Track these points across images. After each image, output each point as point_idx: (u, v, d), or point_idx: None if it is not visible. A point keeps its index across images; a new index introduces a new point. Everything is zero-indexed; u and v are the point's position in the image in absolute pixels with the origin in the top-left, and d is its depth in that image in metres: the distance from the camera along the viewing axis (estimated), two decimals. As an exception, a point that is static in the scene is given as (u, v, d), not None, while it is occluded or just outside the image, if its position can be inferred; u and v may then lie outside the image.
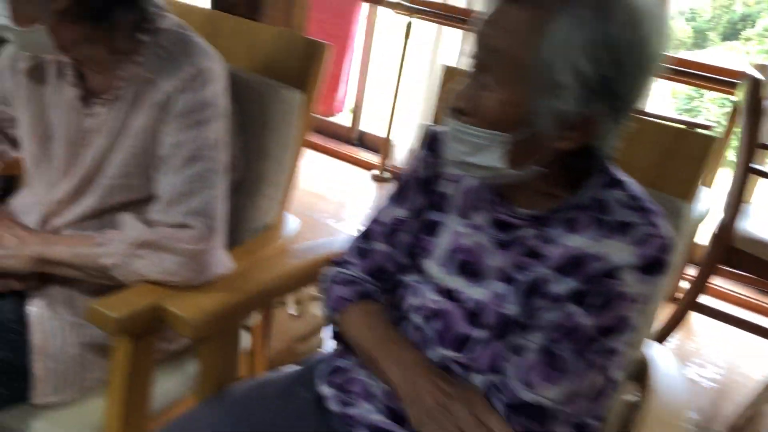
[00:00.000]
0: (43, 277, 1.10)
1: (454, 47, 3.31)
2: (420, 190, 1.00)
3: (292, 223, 1.32)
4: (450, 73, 1.22)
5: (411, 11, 3.21)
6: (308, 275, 1.13)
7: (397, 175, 1.03)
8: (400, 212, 1.01)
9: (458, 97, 0.83)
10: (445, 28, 3.32)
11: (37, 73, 1.16)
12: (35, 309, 1.07)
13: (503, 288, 0.88)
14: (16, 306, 1.07)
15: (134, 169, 1.09)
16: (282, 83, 1.25)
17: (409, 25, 3.24)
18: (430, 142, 1.00)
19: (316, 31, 3.27)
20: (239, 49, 1.34)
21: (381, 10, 3.56)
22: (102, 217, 1.13)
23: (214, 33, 1.34)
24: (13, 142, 1.27)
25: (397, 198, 1.02)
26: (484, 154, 0.81)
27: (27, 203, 1.19)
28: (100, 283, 1.07)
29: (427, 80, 3.41)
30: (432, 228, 0.98)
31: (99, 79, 1.11)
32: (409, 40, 3.29)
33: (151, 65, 1.07)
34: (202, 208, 1.03)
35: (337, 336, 1.01)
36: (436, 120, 1.22)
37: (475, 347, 0.89)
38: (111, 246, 1.02)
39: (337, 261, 1.04)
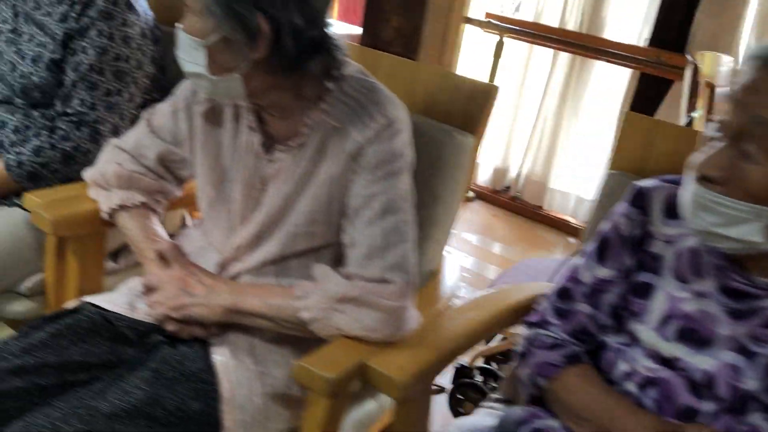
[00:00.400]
0: (223, 323, 1.09)
1: (544, 67, 3.26)
2: (627, 250, 0.96)
3: (450, 265, 1.29)
4: (632, 119, 1.18)
5: (502, 30, 3.18)
6: (493, 327, 1.10)
7: (597, 233, 0.99)
8: (604, 272, 0.97)
9: (709, 165, 0.79)
10: (536, 48, 3.27)
11: (213, 116, 1.16)
12: (221, 358, 1.06)
13: (738, 360, 0.84)
14: (203, 355, 1.07)
15: (319, 217, 1.08)
16: (450, 126, 1.23)
17: (499, 44, 3.20)
18: (638, 199, 0.96)
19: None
20: (398, 90, 1.31)
21: (468, 28, 3.52)
22: (280, 263, 1.12)
23: (370, 72, 1.33)
24: (179, 181, 1.27)
25: (598, 257, 0.98)
26: (740, 227, 0.77)
27: (201, 246, 1.19)
28: (287, 333, 1.06)
29: (516, 101, 3.37)
30: (643, 290, 0.94)
31: (281, 125, 1.11)
32: (499, 60, 3.25)
33: (338, 113, 1.06)
34: (400, 262, 1.01)
35: (535, 400, 0.98)
36: (616, 166, 1.19)
37: (701, 421, 0.85)
38: (310, 299, 1.00)
39: (534, 322, 1.00)
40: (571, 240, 3.29)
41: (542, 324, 1.00)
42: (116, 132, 1.40)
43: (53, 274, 1.29)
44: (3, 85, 1.42)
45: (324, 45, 1.04)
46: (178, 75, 1.60)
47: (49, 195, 1.25)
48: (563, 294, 1.00)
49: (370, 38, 1.42)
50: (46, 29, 1.40)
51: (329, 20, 1.04)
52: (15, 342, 1.04)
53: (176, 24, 1.05)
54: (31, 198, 1.23)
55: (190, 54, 1.02)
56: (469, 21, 3.34)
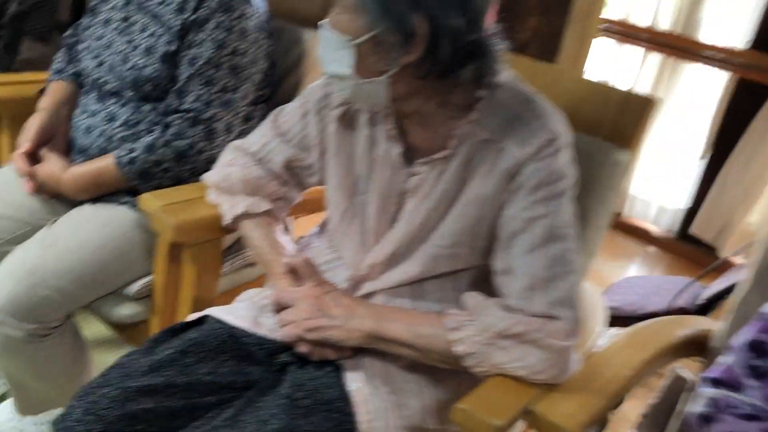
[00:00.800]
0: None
1: (632, 67, 3.11)
2: None
3: (591, 294, 1.19)
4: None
5: (590, 27, 3.03)
6: (654, 367, 1.00)
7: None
8: None
9: None
10: (624, 46, 3.13)
11: (347, 121, 1.08)
12: (356, 385, 0.98)
13: None
14: (336, 380, 0.99)
15: (465, 239, 0.99)
16: (604, 141, 1.13)
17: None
18: None
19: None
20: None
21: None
22: (416, 285, 1.03)
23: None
24: (302, 187, 1.20)
25: None
26: None
27: (328, 260, 1.11)
28: (434, 365, 0.98)
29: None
30: None
31: (423, 135, 1.01)
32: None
33: (492, 125, 0.96)
34: (566, 296, 0.91)
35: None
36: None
37: None
38: (466, 331, 0.91)
39: (721, 380, 0.89)
40: (650, 249, 3.16)
41: (733, 384, 0.88)
42: (230, 130, 1.33)
43: (164, 279, 1.23)
44: (113, 77, 1.35)
45: (482, 50, 0.94)
46: (288, 71, 1.53)
47: (166, 197, 1.19)
48: (760, 349, 0.88)
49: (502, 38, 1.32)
50: (161, 20, 1.32)
51: (489, 23, 0.94)
52: (141, 358, 0.97)
53: (320, 21, 0.96)
54: (149, 200, 1.16)
55: (335, 54, 0.93)
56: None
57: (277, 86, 1.49)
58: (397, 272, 1.03)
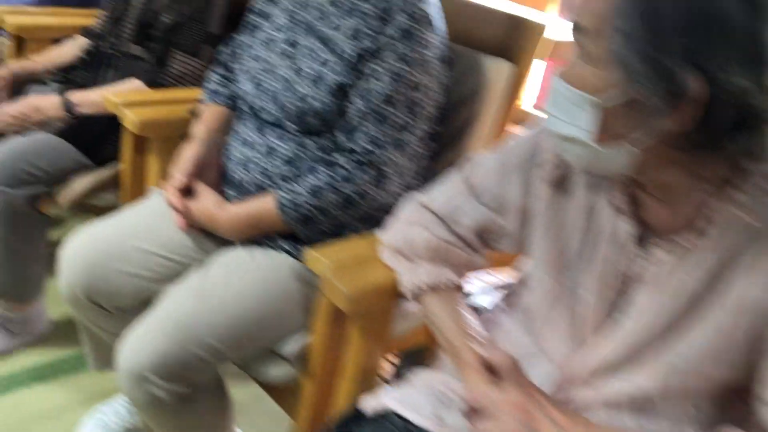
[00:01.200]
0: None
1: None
2: None
3: None
4: None
5: None
6: None
7: None
8: None
9: None
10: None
11: (559, 184, 0.89)
12: None
13: None
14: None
15: (721, 354, 0.77)
16: None
17: None
18: None
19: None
20: None
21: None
22: (647, 404, 0.83)
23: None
24: (489, 251, 1.02)
25: None
26: None
27: (523, 347, 0.93)
28: None
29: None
30: None
31: (660, 211, 0.81)
32: None
33: (763, 209, 0.74)
34: None
35: None
36: None
37: None
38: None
39: None
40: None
41: None
42: (401, 174, 1.17)
43: (324, 343, 1.08)
44: (273, 106, 1.22)
45: (764, 116, 0.72)
46: (461, 103, 1.35)
47: (334, 254, 1.04)
48: None
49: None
50: (331, 45, 1.18)
51: None
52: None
53: (551, 69, 0.77)
54: (317, 259, 1.02)
55: (569, 112, 0.74)
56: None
57: (448, 122, 1.31)
58: (622, 382, 0.83)
